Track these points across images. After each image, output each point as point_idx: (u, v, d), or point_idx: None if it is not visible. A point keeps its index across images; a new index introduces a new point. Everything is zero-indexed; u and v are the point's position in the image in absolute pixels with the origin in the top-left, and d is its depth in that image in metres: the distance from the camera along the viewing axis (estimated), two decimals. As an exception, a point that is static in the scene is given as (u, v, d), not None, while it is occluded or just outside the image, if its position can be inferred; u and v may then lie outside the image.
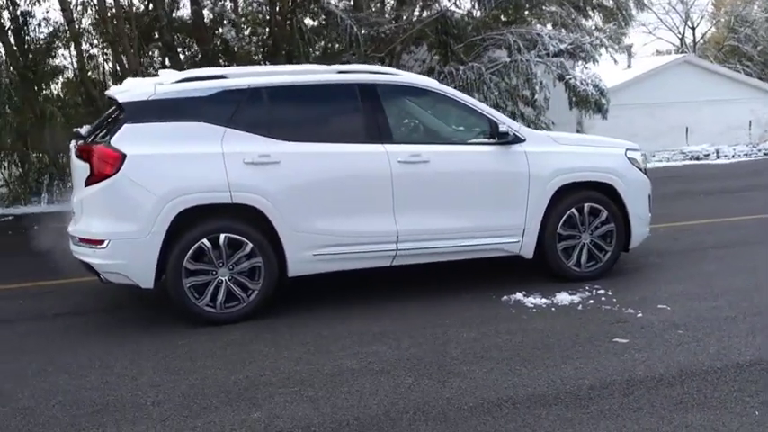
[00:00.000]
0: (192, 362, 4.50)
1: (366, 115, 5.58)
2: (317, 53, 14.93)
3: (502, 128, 5.70)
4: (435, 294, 5.80)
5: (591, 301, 5.48)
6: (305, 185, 5.33)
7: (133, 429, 3.56)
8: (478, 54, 16.69)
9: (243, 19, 13.96)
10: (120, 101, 5.24)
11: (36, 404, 3.91)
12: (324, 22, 14.78)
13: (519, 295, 5.63)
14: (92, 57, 15.14)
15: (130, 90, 5.33)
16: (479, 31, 16.90)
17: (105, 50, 15.17)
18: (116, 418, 3.68)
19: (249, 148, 5.24)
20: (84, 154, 5.16)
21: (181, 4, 15.63)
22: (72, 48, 14.40)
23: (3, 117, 12.29)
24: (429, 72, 16.50)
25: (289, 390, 3.99)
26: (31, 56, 13.94)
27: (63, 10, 13.72)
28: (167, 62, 14.35)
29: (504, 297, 5.62)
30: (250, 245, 5.22)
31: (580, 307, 5.38)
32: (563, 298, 5.55)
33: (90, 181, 5.08)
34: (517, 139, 5.85)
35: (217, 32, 13.22)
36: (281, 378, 4.17)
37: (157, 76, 5.84)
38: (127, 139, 5.09)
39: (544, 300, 5.53)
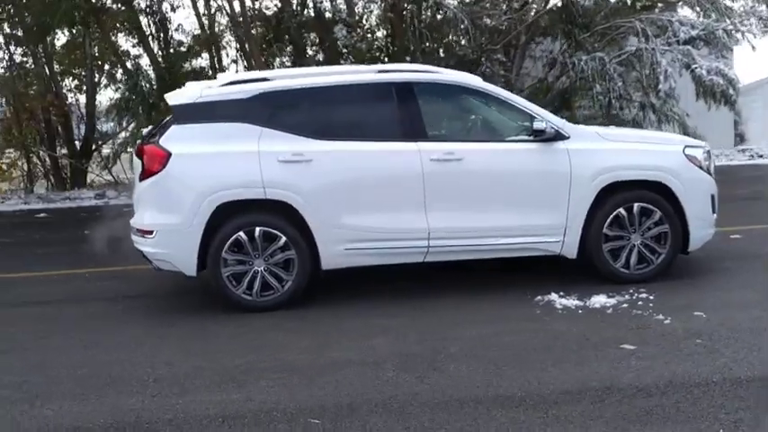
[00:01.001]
0: (209, 344, 4.88)
1: (401, 114, 5.70)
2: (431, 47, 15.03)
3: (539, 125, 5.59)
4: (471, 292, 5.82)
5: (625, 305, 5.26)
6: (335, 182, 5.54)
7: (126, 401, 3.95)
8: (608, 43, 16.05)
9: (357, 18, 14.34)
10: (170, 104, 5.72)
11: (61, 373, 4.43)
12: (438, 17, 14.84)
13: (554, 296, 5.52)
14: (222, 59, 16.24)
15: (181, 94, 5.80)
16: (608, 18, 16.22)
17: (238, 52, 16.19)
18: (117, 390, 4.10)
19: (284, 146, 5.53)
20: (139, 152, 5.70)
21: (309, 4, 16.31)
22: (206, 51, 15.53)
23: (138, 118, 13.55)
24: (550, 63, 16.11)
25: (277, 376, 4.23)
26: (170, 59, 15.20)
27: (198, 15, 14.83)
28: (287, 62, 15.07)
29: (538, 297, 5.53)
30: (284, 238, 5.53)
31: (610, 311, 5.19)
32: (598, 300, 5.37)
33: (142, 177, 5.61)
34: (559, 136, 5.71)
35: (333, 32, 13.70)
36: (277, 365, 4.42)
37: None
38: (173, 138, 5.56)
39: (577, 302, 5.38)
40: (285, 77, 5.89)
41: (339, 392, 3.95)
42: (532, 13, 15.61)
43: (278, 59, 15.18)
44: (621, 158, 5.77)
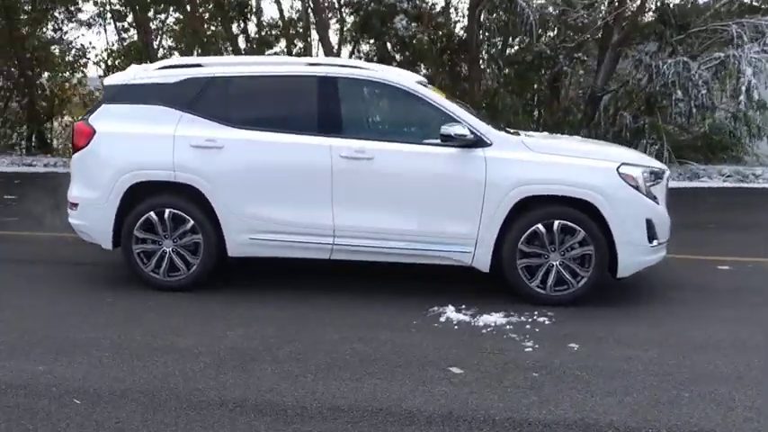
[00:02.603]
0: (73, 316, 5.11)
1: (319, 108, 5.62)
2: (498, 44, 14.60)
3: (447, 130, 5.32)
4: (371, 294, 5.67)
5: (509, 327, 4.94)
6: (244, 171, 5.58)
7: (72, 361, 4.22)
8: (705, 48, 14.87)
9: (417, 11, 14.14)
10: (105, 83, 5.99)
11: (27, 335, 4.73)
12: (507, 14, 14.37)
13: (449, 308, 5.27)
14: (306, 47, 16.58)
15: (118, 75, 6.05)
16: (707, 21, 15.00)
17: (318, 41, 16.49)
18: (71, 353, 4.35)
19: (199, 132, 5.64)
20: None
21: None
22: (286, 38, 15.95)
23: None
24: (636, 65, 15.13)
25: (99, 354, 4.37)
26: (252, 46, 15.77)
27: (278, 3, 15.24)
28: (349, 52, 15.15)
29: (433, 308, 5.30)
30: (191, 222, 5.65)
31: (487, 330, 4.89)
32: (489, 319, 5.07)
33: (73, 151, 5.91)
34: (480, 143, 5.42)
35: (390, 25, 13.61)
36: (112, 344, 4.55)
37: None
38: (100, 117, 5.83)
39: (465, 317, 5.12)
40: (217, 65, 5.96)
41: (131, 378, 4.01)
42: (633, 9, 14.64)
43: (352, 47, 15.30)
44: (543, 171, 5.38)
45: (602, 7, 14.80)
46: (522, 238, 5.40)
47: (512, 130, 6.37)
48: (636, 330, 4.90)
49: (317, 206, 5.53)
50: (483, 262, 5.49)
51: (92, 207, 5.77)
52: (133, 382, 3.95)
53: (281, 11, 16.23)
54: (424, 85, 5.75)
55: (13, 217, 9.28)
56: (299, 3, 16.90)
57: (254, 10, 16.36)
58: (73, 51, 18.71)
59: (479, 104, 15.02)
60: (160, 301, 5.48)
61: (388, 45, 14.98)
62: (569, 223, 5.36)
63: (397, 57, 15.97)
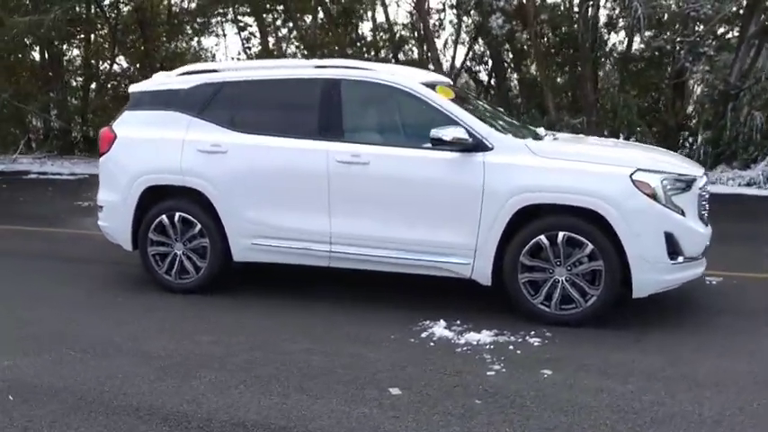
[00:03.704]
0: (63, 312, 5.35)
1: (321, 111, 5.49)
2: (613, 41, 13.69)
3: (437, 133, 4.98)
4: (366, 305, 5.46)
5: (491, 347, 4.55)
6: (245, 176, 5.57)
7: (40, 357, 4.42)
8: None
9: (515, 8, 13.51)
10: (129, 91, 6.21)
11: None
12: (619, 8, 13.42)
13: (440, 323, 4.95)
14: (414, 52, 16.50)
15: (144, 83, 6.26)
16: None
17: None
18: (48, 349, 4.56)
19: (205, 137, 5.70)
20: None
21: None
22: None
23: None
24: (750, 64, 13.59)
25: (71, 352, 4.51)
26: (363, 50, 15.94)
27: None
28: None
29: (422, 322, 4.99)
30: (199, 226, 5.73)
31: (460, 349, 4.53)
32: (476, 337, 4.71)
33: (99, 155, 6.20)
34: (480, 147, 5.06)
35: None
36: (88, 342, 4.68)
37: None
38: (122, 123, 6.06)
39: (451, 334, 4.78)
40: (230, 70, 5.99)
41: (75, 377, 4.10)
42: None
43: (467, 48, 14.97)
44: (545, 178, 4.91)
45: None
46: (524, 251, 4.97)
47: (543, 132, 5.92)
48: (633, 359, 4.34)
49: (314, 213, 5.41)
50: (483, 275, 5.11)
51: (113, 210, 6.01)
52: (74, 382, 4.03)
53: (386, 15, 16.23)
54: (431, 86, 5.43)
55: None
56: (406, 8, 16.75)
57: (362, 15, 16.48)
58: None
59: (593, 106, 14.21)
60: (168, 303, 5.58)
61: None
62: (575, 235, 4.86)
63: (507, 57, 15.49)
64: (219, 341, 4.68)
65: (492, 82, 16.33)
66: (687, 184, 4.94)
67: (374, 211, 5.29)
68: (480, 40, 16.07)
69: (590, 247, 4.83)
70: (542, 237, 4.92)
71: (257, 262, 5.74)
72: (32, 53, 19.74)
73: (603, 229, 4.81)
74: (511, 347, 4.54)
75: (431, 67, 14.16)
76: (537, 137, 5.61)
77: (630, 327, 4.91)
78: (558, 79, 15.22)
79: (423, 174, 5.17)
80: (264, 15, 17.54)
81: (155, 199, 5.87)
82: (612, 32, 14.45)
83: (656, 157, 5.25)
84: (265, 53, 17.78)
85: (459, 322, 4.99)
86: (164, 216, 5.80)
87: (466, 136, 5.02)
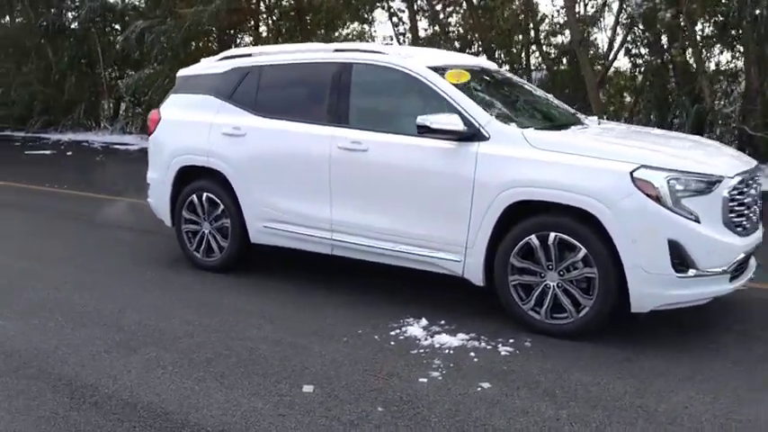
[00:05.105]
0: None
1: (330, 96, 5.36)
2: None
3: (424, 120, 4.65)
4: (360, 296, 5.27)
5: (449, 351, 4.21)
6: (259, 158, 5.60)
7: (30, 322, 4.74)
8: None
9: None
10: (177, 75, 6.48)
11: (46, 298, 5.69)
12: None
13: (421, 322, 4.66)
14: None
15: (190, 67, 6.50)
16: None
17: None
18: (47, 315, 4.90)
19: (230, 120, 5.80)
20: (151, 115, 6.62)
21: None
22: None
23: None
24: None
25: (48, 323, 4.83)
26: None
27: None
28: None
29: (402, 320, 4.73)
30: (221, 206, 5.87)
31: (416, 351, 4.23)
32: (442, 339, 4.40)
33: (148, 135, 6.54)
34: (477, 136, 4.68)
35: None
36: (73, 316, 4.98)
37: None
38: (168, 105, 6.35)
39: (422, 333, 4.50)
40: (261, 54, 6.01)
41: (31, 345, 4.31)
42: None
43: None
44: (537, 172, 4.42)
45: None
46: (515, 251, 4.53)
47: (591, 120, 5.42)
48: (598, 381, 3.80)
49: (317, 199, 5.32)
50: (475, 274, 4.74)
51: (157, 187, 6.32)
52: (25, 350, 4.22)
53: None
54: (440, 70, 5.09)
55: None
56: None
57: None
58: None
59: (756, 93, 12.59)
60: (180, 279, 5.75)
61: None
62: (567, 237, 4.34)
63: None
64: (192, 321, 4.75)
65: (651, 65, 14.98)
66: (708, 184, 4.21)
67: (372, 199, 5.09)
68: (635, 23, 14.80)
69: (583, 251, 4.29)
70: (533, 237, 4.45)
71: (271, 245, 5.74)
72: (211, 42, 21.20)
73: (599, 231, 4.25)
74: (471, 354, 4.17)
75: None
76: (580, 124, 5.17)
77: (631, 344, 4.31)
78: (714, 64, 13.66)
79: (418, 163, 4.88)
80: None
81: (189, 179, 6.08)
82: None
83: (679, 153, 4.50)
84: (416, 40, 17.74)
85: (443, 322, 4.67)
86: (194, 195, 6.00)
87: (459, 124, 4.65)
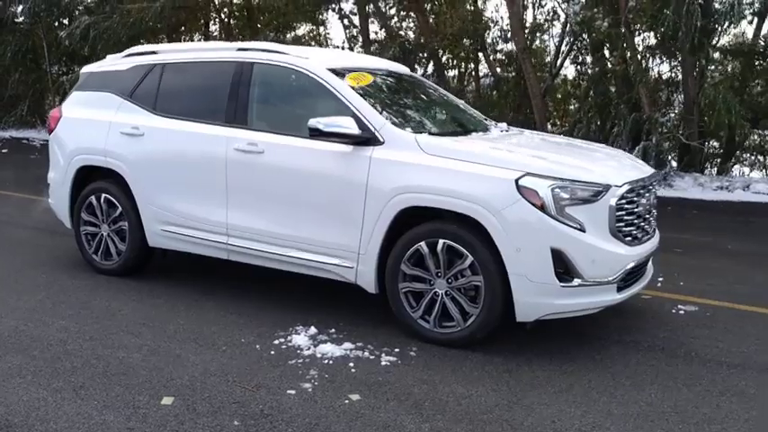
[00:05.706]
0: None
1: (230, 96, 5.19)
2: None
3: (314, 123, 4.53)
4: (263, 305, 5.11)
5: (329, 362, 4.08)
6: (158, 160, 5.40)
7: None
8: None
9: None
10: (80, 71, 6.26)
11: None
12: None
13: (309, 330, 4.53)
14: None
15: (94, 64, 6.28)
16: None
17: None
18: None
19: (130, 119, 5.60)
20: (54, 114, 6.37)
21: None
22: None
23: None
24: None
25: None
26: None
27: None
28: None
29: (295, 327, 4.60)
30: (119, 208, 5.66)
31: (294, 361, 4.08)
32: (326, 348, 4.25)
33: (48, 133, 6.30)
34: (372, 140, 4.56)
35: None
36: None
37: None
38: (69, 103, 6.12)
39: (307, 342, 4.35)
40: (165, 52, 5.82)
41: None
42: None
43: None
44: (426, 178, 4.31)
45: None
46: (405, 258, 4.42)
47: (498, 127, 5.36)
48: (472, 393, 3.71)
49: (213, 202, 5.15)
50: (367, 281, 4.61)
51: (56, 188, 6.08)
52: None
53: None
54: (340, 72, 4.96)
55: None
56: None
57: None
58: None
59: (692, 103, 12.72)
60: (84, 282, 5.55)
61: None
62: (455, 244, 4.24)
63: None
64: (68, 328, 4.55)
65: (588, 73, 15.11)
66: (594, 193, 4.14)
67: (267, 204, 4.94)
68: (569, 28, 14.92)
69: (470, 258, 4.20)
70: (422, 244, 4.34)
71: (168, 249, 5.55)
72: (159, 41, 20.80)
73: (486, 239, 4.16)
74: (350, 364, 4.04)
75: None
76: (485, 130, 5.12)
77: (519, 354, 4.23)
78: (657, 73, 13.79)
79: (312, 167, 4.74)
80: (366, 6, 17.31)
81: (89, 179, 5.86)
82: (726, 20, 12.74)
83: (566, 161, 4.43)
84: (366, 44, 17.62)
85: (333, 331, 4.54)
86: (93, 197, 5.78)
87: (353, 127, 4.52)
